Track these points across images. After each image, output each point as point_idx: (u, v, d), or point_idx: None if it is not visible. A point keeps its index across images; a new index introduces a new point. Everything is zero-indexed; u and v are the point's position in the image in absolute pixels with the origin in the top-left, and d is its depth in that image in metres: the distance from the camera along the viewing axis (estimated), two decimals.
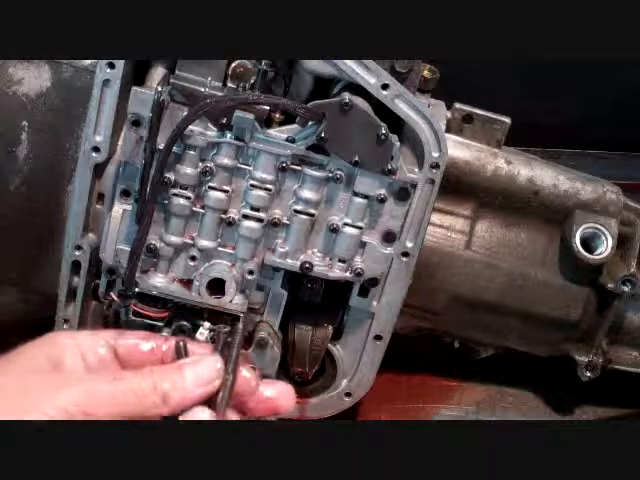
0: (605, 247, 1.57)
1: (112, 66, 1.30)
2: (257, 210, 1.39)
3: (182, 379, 0.87)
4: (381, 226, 1.42)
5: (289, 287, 1.48)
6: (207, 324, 1.44)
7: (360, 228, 1.41)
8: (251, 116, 1.32)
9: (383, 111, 1.35)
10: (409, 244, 1.44)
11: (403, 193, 1.39)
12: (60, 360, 0.86)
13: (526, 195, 1.57)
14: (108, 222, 1.39)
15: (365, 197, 1.39)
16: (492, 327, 1.64)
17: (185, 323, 1.45)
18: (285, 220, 1.40)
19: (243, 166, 1.36)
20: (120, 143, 1.37)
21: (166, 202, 1.37)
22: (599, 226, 1.57)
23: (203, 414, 0.86)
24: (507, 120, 1.55)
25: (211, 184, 1.37)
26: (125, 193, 1.38)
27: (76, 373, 0.85)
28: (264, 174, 1.37)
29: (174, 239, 1.40)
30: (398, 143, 1.36)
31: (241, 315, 1.44)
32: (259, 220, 1.39)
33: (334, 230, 1.40)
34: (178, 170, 1.35)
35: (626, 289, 1.57)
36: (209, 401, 0.87)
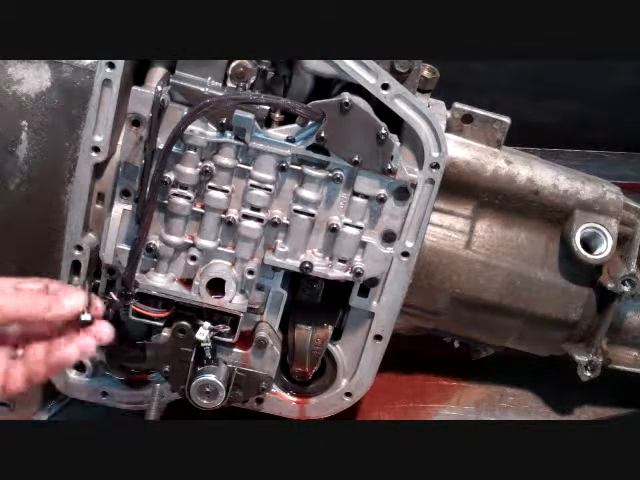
0: (605, 247, 1.57)
1: (112, 66, 1.30)
2: (257, 210, 1.39)
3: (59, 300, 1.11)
4: (381, 226, 1.42)
5: (289, 287, 1.48)
6: (207, 324, 1.44)
7: (360, 228, 1.41)
8: (251, 116, 1.32)
9: (383, 111, 1.35)
10: (409, 244, 1.44)
11: (403, 193, 1.39)
12: None
13: (526, 195, 1.57)
14: (108, 222, 1.39)
15: (365, 197, 1.39)
16: (492, 327, 1.64)
17: (185, 323, 1.45)
18: (285, 220, 1.40)
19: (243, 166, 1.36)
20: (120, 143, 1.37)
21: (166, 202, 1.37)
22: (599, 226, 1.57)
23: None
24: (507, 120, 1.55)
25: (211, 184, 1.37)
26: (125, 193, 1.38)
27: None
28: (264, 174, 1.37)
29: (174, 239, 1.40)
30: (398, 143, 1.36)
31: (241, 315, 1.45)
32: (259, 220, 1.39)
33: (334, 230, 1.40)
34: (178, 170, 1.35)
35: (626, 289, 1.57)
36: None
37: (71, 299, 1.11)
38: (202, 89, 1.31)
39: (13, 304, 1.06)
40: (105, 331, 1.14)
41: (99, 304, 1.15)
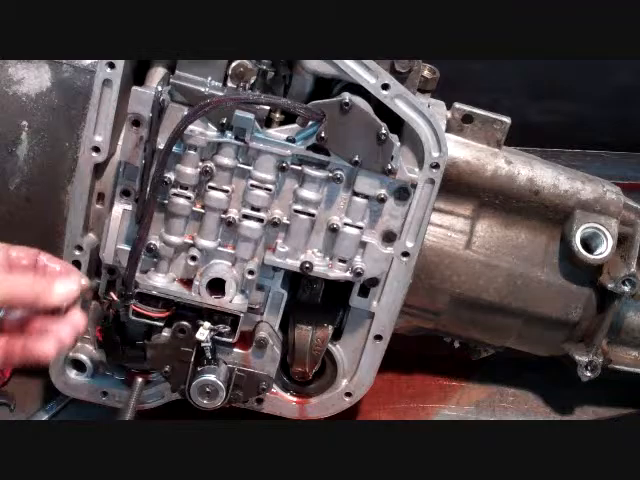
0: (605, 247, 1.57)
1: (112, 66, 1.30)
2: (257, 210, 1.39)
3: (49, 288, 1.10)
4: (381, 226, 1.42)
5: (289, 287, 1.48)
6: (207, 324, 1.44)
7: (360, 228, 1.41)
8: (251, 116, 1.32)
9: (383, 111, 1.35)
10: (409, 244, 1.44)
11: (403, 193, 1.39)
12: None
13: (526, 195, 1.57)
14: (108, 222, 1.39)
15: (365, 197, 1.39)
16: (492, 327, 1.64)
17: (185, 323, 1.45)
18: (285, 220, 1.40)
19: (243, 166, 1.36)
20: (120, 143, 1.37)
21: (166, 202, 1.37)
22: (599, 226, 1.57)
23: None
24: (507, 120, 1.55)
25: (211, 184, 1.37)
26: (125, 193, 1.38)
27: None
28: (264, 174, 1.37)
29: (174, 239, 1.40)
30: (398, 143, 1.36)
31: (241, 315, 1.44)
32: (259, 220, 1.39)
33: (334, 230, 1.40)
34: (178, 170, 1.35)
35: (626, 289, 1.57)
36: None
37: (61, 286, 1.10)
38: (202, 89, 1.31)
39: (4, 288, 1.04)
40: (79, 322, 1.11)
41: (83, 281, 1.15)
